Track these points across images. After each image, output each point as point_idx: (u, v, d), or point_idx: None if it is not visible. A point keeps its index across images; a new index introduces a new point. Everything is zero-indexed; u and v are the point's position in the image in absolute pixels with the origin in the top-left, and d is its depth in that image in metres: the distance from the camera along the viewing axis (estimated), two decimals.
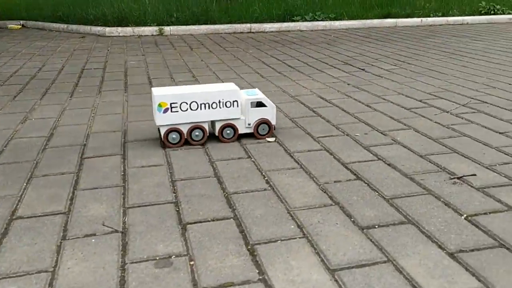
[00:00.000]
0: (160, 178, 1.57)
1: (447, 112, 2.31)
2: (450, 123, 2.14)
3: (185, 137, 1.84)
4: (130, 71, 3.41)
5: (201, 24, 5.92)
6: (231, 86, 1.90)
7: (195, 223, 1.28)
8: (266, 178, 1.57)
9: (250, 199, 1.42)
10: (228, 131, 1.89)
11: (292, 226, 1.26)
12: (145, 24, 5.83)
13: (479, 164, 1.67)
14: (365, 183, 1.53)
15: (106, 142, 1.91)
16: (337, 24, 6.15)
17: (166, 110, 1.78)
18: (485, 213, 1.32)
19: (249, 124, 1.92)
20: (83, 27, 5.88)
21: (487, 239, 1.18)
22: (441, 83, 2.94)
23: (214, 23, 6.01)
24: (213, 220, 1.29)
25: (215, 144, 1.89)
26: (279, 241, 1.19)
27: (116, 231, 1.24)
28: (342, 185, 1.51)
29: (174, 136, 1.82)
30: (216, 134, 1.90)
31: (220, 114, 1.85)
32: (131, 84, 2.98)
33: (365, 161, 1.71)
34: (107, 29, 5.55)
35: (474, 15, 6.84)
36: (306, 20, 6.28)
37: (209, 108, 1.82)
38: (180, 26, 5.75)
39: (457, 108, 2.38)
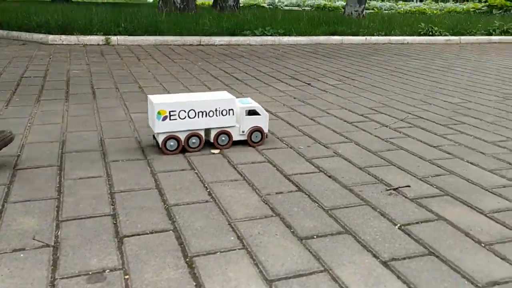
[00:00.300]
0: (98, 190, 1.51)
1: (386, 126, 2.41)
2: (389, 136, 2.23)
3: (182, 144, 1.87)
4: (73, 80, 3.29)
5: (150, 35, 5.85)
6: (226, 95, 1.95)
7: (132, 236, 1.24)
8: (208, 190, 1.56)
9: (191, 211, 1.40)
10: (223, 138, 1.95)
11: (232, 238, 1.25)
12: (91, 33, 5.67)
13: (413, 176, 1.74)
14: (306, 194, 1.55)
15: (42, 153, 1.83)
16: (286, 39, 6.29)
17: (165, 118, 1.82)
18: (417, 223, 1.37)
19: (243, 132, 1.98)
20: (24, 34, 5.64)
21: (418, 248, 1.24)
22: (382, 99, 3.07)
23: (163, 34, 5.96)
24: (151, 233, 1.26)
25: (158, 156, 1.86)
26: (218, 253, 1.18)
27: (48, 245, 1.18)
28: (283, 197, 1.53)
29: (172, 143, 1.86)
30: (211, 141, 1.94)
31: (216, 122, 1.91)
32: (72, 94, 2.88)
33: (307, 173, 1.74)
34: (50, 36, 5.35)
35: (414, 35, 7.22)
36: (255, 35, 6.37)
37: (206, 116, 1.88)
38: (127, 36, 5.65)
39: (395, 122, 2.49)
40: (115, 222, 1.31)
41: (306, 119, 2.49)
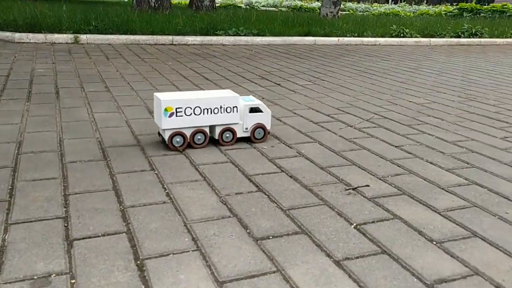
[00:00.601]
0: (52, 192, 1.48)
1: (351, 126, 2.44)
2: (353, 136, 2.25)
3: (188, 141, 1.93)
4: (37, 79, 3.22)
5: (121, 34, 5.76)
6: (231, 92, 2.01)
7: (83, 239, 1.21)
8: (167, 191, 1.54)
9: (147, 212, 1.38)
10: (227, 135, 2.01)
11: (187, 239, 1.24)
12: (59, 31, 5.55)
13: (373, 175, 1.76)
14: (266, 194, 1.55)
15: None
16: (259, 39, 6.29)
17: (171, 115, 1.87)
18: (373, 222, 1.39)
19: (246, 129, 2.04)
20: None
21: (372, 247, 1.25)
22: (349, 99, 3.10)
23: (135, 33, 5.89)
24: (103, 235, 1.24)
25: (118, 157, 1.83)
26: (171, 255, 1.16)
27: None
28: (242, 197, 1.52)
29: (178, 139, 1.91)
30: (216, 137, 1.99)
31: (221, 119, 1.96)
32: (35, 93, 2.81)
33: (268, 173, 1.74)
34: (17, 34, 5.21)
35: (385, 37, 7.33)
36: (229, 35, 6.36)
37: (211, 113, 1.93)
38: (97, 34, 5.55)
39: (360, 122, 2.52)
40: (66, 224, 1.28)
41: (273, 119, 2.49)
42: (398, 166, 1.87)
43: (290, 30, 7.04)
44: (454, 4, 16.40)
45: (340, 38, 6.85)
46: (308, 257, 1.18)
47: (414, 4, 26.08)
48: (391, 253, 1.22)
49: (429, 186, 1.67)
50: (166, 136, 1.89)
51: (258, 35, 6.56)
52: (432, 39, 7.42)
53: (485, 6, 13.53)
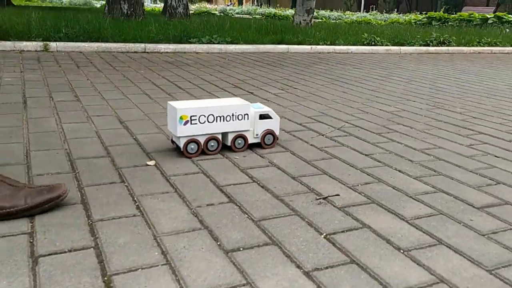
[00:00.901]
0: None
1: (323, 135, 2.46)
2: (324, 145, 2.28)
3: (202, 148, 2.00)
4: (3, 89, 3.13)
5: (93, 42, 5.68)
6: (242, 101, 2.09)
7: (49, 255, 1.18)
8: (137, 204, 1.52)
9: (116, 226, 1.36)
10: (239, 141, 2.09)
11: (156, 253, 1.23)
12: (28, 38, 5.43)
13: (344, 184, 1.79)
14: (237, 205, 1.55)
15: None
16: (233, 47, 6.31)
17: (186, 123, 1.94)
18: (342, 231, 1.41)
19: (256, 135, 2.13)
20: None
21: (341, 256, 1.26)
22: (321, 108, 3.14)
23: (107, 41, 5.81)
24: (70, 251, 1.21)
25: (86, 169, 1.80)
26: (139, 270, 1.15)
27: None
28: (213, 209, 1.52)
29: (192, 146, 1.98)
30: (229, 144, 2.07)
31: (233, 126, 2.04)
32: (1, 103, 2.73)
33: (239, 184, 1.74)
34: None
35: (357, 45, 7.47)
36: (202, 43, 6.35)
37: (223, 120, 2.01)
38: (68, 42, 5.46)
39: (332, 131, 2.55)
40: (31, 240, 1.25)
41: None
42: (368, 174, 1.90)
43: (263, 38, 7.09)
44: (424, 13, 16.85)
45: (313, 46, 6.94)
46: (278, 268, 1.19)
47: (385, 13, 26.69)
48: (359, 262, 1.24)
49: (397, 195, 1.70)
50: (181, 143, 1.96)
51: (231, 43, 6.58)
52: (402, 47, 7.60)
53: (453, 15, 13.95)
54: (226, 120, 2.02)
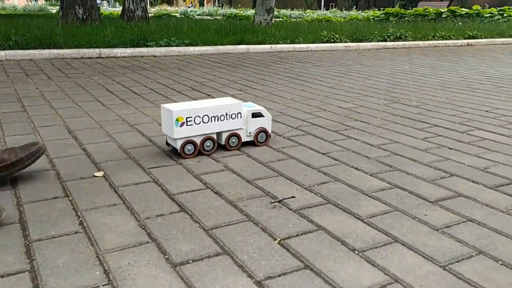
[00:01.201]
0: None
1: (280, 135, 2.43)
2: (281, 146, 2.24)
3: (199, 148, 2.03)
4: None
5: (44, 49, 5.46)
6: (233, 100, 2.14)
7: None
8: (80, 219, 1.43)
9: (55, 245, 1.27)
10: (233, 140, 2.13)
11: (98, 273, 1.15)
12: None
13: (300, 185, 1.75)
14: (189, 214, 1.49)
15: None
16: (191, 49, 6.22)
17: (182, 124, 1.97)
18: (297, 235, 1.36)
19: (250, 133, 2.17)
20: None
21: (295, 262, 1.22)
22: (280, 107, 3.10)
23: (60, 47, 5.61)
24: (2, 277, 1.12)
25: (27, 184, 1.69)
26: None
27: None
28: (163, 219, 1.45)
29: (189, 147, 2.01)
30: (223, 143, 2.11)
31: (227, 125, 2.08)
32: None
33: (192, 191, 1.67)
34: None
35: (317, 42, 7.51)
36: (160, 46, 6.23)
37: (218, 120, 2.05)
38: (18, 50, 5.23)
39: (289, 131, 2.52)
40: None
41: None
42: (324, 174, 1.88)
43: (223, 39, 7.02)
44: (381, 9, 17.20)
45: (273, 45, 6.92)
46: (229, 280, 1.13)
47: (345, 10, 27.11)
48: (313, 267, 1.20)
49: (353, 193, 1.68)
50: (178, 145, 1.99)
51: (190, 45, 6.48)
52: (361, 44, 7.70)
53: (409, 11, 14.30)
54: (220, 120, 2.05)
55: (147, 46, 6.17)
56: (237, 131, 2.13)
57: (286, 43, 7.21)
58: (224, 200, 1.61)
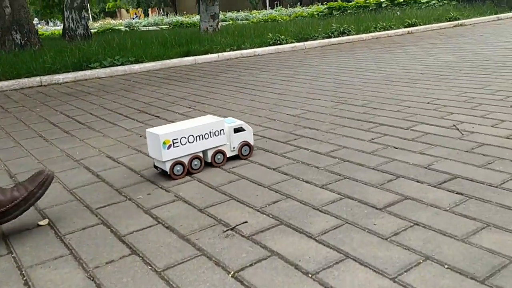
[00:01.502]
0: None
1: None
2: (231, 166, 2.23)
3: (187, 168, 2.10)
4: None
5: None
6: (215, 117, 2.24)
7: None
8: (25, 278, 1.37)
9: None
10: (218, 156, 2.21)
11: None
12: None
13: (252, 208, 1.75)
14: (140, 257, 1.45)
15: None
16: (137, 67, 6.10)
17: (169, 146, 2.04)
18: (250, 265, 1.36)
19: (233, 148, 2.25)
20: None
21: None
22: None
23: None
24: None
25: None
26: None
27: None
28: (113, 266, 1.40)
29: (178, 168, 2.08)
30: (209, 161, 2.19)
31: (211, 143, 2.16)
32: None
33: (143, 229, 1.64)
34: None
35: (263, 46, 7.56)
36: (105, 66, 6.08)
37: (202, 139, 2.13)
38: None
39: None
40: None
41: (150, 161, 2.38)
42: (276, 192, 1.88)
43: (169, 51, 6.94)
44: (324, 3, 17.52)
45: (220, 54, 6.91)
46: None
47: (289, 7, 27.46)
48: None
49: (304, 209, 1.69)
50: (167, 167, 2.05)
51: (136, 62, 6.36)
52: (307, 43, 7.81)
53: (351, 3, 14.64)
54: (205, 138, 2.14)
55: (91, 68, 6.00)
56: (222, 147, 2.21)
57: (233, 50, 7.21)
58: (176, 234, 1.58)
